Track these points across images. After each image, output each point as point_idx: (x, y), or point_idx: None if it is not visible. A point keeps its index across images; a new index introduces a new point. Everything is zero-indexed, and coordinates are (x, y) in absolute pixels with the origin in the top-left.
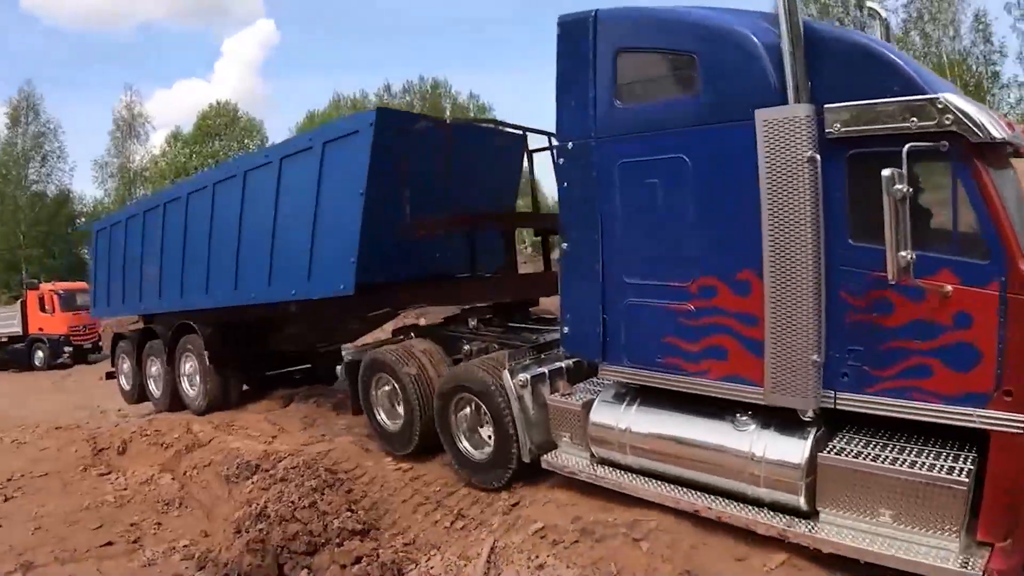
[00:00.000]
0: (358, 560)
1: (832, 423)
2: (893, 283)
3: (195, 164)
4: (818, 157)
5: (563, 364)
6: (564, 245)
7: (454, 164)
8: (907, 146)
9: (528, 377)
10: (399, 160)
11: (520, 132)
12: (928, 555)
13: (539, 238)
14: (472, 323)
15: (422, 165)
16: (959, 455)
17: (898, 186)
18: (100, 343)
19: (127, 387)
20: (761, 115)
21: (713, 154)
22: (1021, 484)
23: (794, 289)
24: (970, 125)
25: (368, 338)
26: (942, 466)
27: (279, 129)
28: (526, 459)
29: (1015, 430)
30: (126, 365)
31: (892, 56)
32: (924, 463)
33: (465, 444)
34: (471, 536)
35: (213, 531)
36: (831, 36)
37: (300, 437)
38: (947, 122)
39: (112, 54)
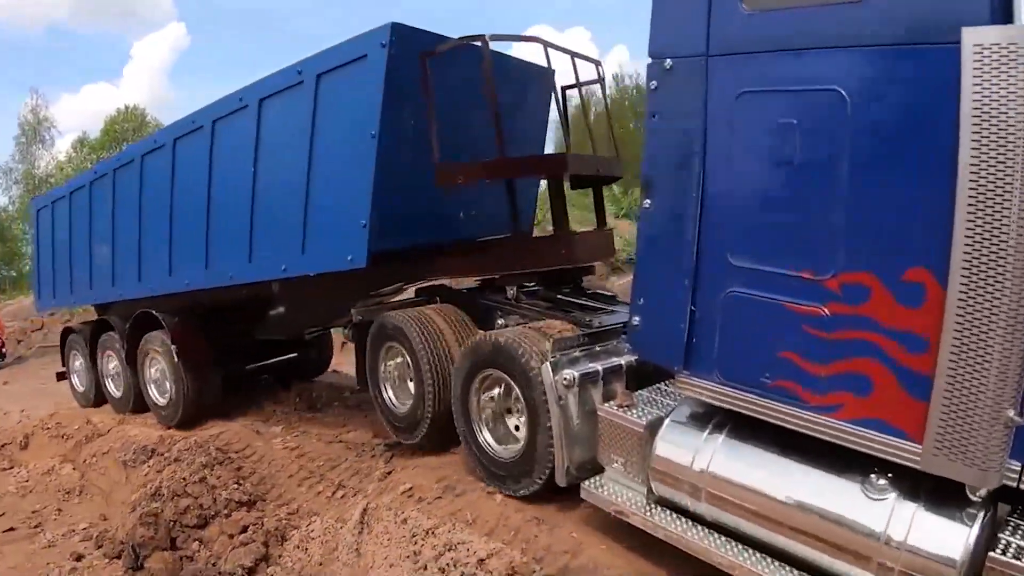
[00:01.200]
0: (244, 529)
1: (1005, 502)
2: None
3: None
4: None
5: (623, 361)
6: (647, 202)
7: (479, 100)
8: None
9: (576, 375)
10: (421, 91)
11: (548, 67)
12: None
13: (589, 188)
14: (511, 292)
15: (448, 99)
16: None
17: None
18: (3, 349)
19: (81, 388)
20: (972, 35)
21: (887, 91)
22: None
23: (995, 307)
24: None
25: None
26: None
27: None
28: (561, 483)
29: None
30: (79, 363)
31: None
32: None
33: (487, 436)
34: (348, 502)
35: (111, 514)
36: None
37: (196, 423)
38: None
39: (17, 56)
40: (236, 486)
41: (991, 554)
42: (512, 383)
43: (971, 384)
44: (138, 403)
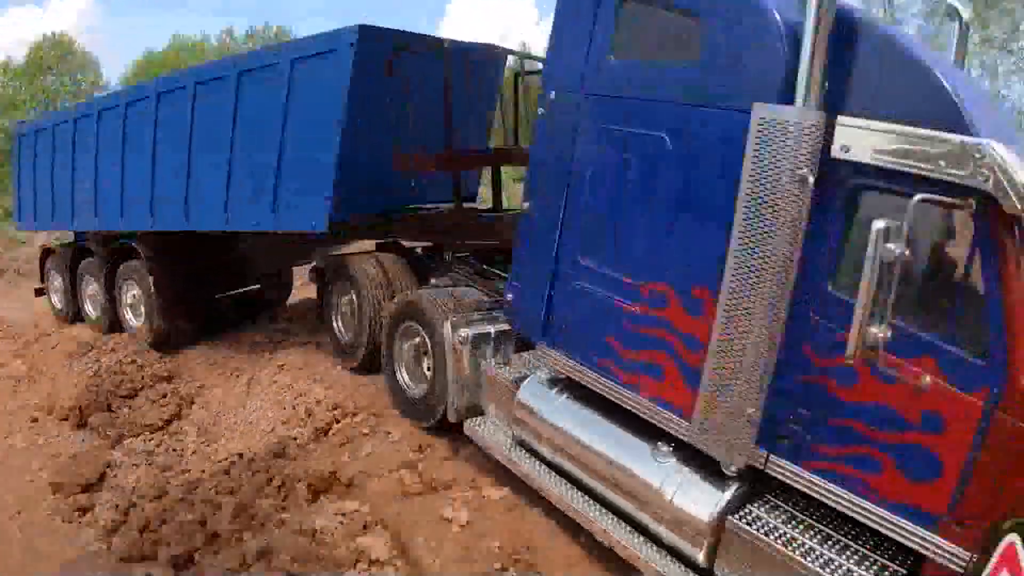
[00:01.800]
0: (164, 395)
1: (763, 482)
2: (850, 361)
3: (24, 98)
4: (811, 179)
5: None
6: (526, 205)
7: (434, 94)
8: (917, 197)
9: (470, 334)
10: (383, 85)
11: (502, 58)
12: None
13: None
14: (448, 257)
15: (409, 91)
16: (888, 567)
17: (891, 245)
18: None
19: (59, 306)
20: (759, 110)
21: (695, 142)
22: None
23: (747, 325)
24: (1009, 190)
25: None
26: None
27: (116, 66)
28: (451, 419)
29: (954, 567)
30: (58, 282)
31: (939, 72)
32: (842, 565)
33: (404, 375)
34: (241, 378)
35: (58, 394)
36: (867, 29)
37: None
38: (982, 178)
39: None
40: (160, 365)
41: (728, 517)
42: (424, 335)
43: (726, 383)
44: (114, 324)
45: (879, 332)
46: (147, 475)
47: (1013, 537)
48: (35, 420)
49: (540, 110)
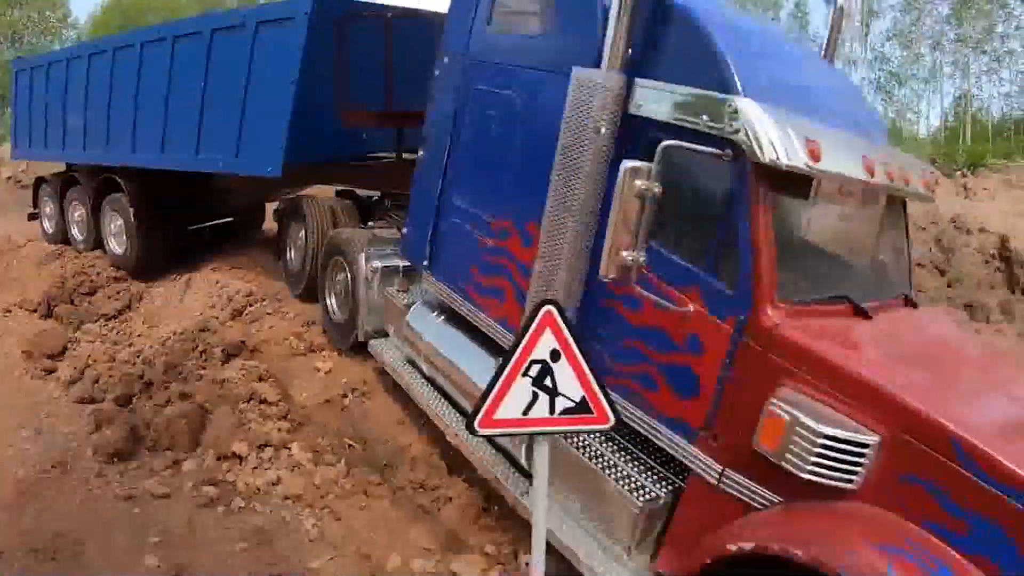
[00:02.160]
0: (118, 292)
1: None
2: (603, 278)
3: None
4: (604, 130)
5: None
6: (420, 152)
7: (396, 54)
8: (664, 143)
9: (380, 266)
10: (334, 49)
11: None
12: (599, 560)
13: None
14: (387, 203)
15: (358, 54)
16: (667, 478)
17: (641, 183)
18: None
19: (49, 230)
20: (576, 74)
21: (537, 102)
22: (699, 531)
23: (557, 258)
24: (752, 142)
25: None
26: (636, 480)
27: (84, 4)
28: (361, 339)
29: (709, 477)
30: (49, 209)
31: (717, 36)
32: (630, 474)
33: (331, 302)
34: (182, 279)
35: (28, 291)
36: (666, 2)
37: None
38: (731, 130)
39: None
40: (114, 271)
41: None
42: (347, 267)
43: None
44: (99, 249)
45: (632, 256)
46: (100, 347)
47: None
48: (8, 311)
49: (436, 72)
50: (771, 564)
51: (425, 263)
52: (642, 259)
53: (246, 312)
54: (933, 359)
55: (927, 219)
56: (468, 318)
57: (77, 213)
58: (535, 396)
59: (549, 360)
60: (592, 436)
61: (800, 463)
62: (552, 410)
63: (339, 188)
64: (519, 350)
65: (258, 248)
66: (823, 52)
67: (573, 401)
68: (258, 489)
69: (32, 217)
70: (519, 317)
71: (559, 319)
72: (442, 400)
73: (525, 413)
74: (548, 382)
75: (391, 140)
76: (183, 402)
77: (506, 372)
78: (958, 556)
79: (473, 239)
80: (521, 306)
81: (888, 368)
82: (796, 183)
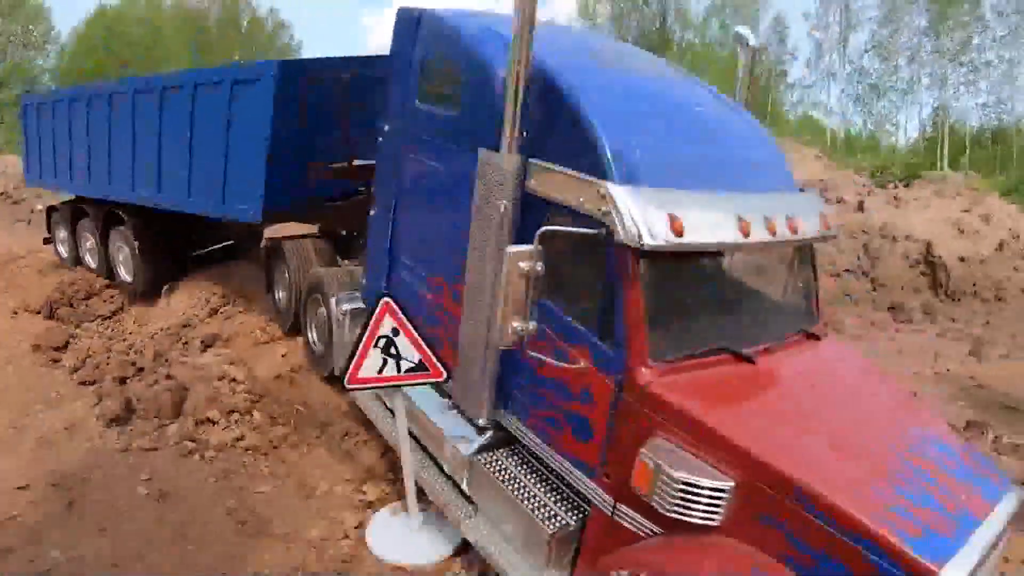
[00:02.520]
0: (112, 296)
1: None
2: (501, 347)
3: None
4: (506, 206)
5: None
6: (372, 211)
7: (352, 109)
8: (540, 230)
9: (348, 308)
10: (302, 105)
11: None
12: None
13: None
14: (362, 241)
15: (323, 111)
16: (580, 507)
17: (524, 264)
18: None
19: (64, 255)
20: (481, 154)
21: (457, 174)
22: (600, 554)
23: (476, 316)
24: (618, 225)
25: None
26: (551, 509)
27: (67, 19)
28: (336, 373)
29: (605, 509)
30: (62, 234)
31: (594, 121)
32: (542, 500)
33: (312, 335)
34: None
35: (31, 297)
36: (553, 88)
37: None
38: (602, 212)
39: None
40: (107, 281)
41: (474, 455)
42: (324, 304)
43: (467, 359)
44: (109, 275)
45: (520, 327)
46: (98, 342)
47: None
48: (15, 313)
49: (379, 139)
50: None
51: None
52: (532, 327)
53: (221, 311)
54: (798, 402)
55: (858, 228)
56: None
57: (88, 242)
58: (385, 361)
59: (391, 335)
60: (521, 470)
61: (665, 504)
62: (399, 369)
63: (318, 226)
64: (368, 330)
65: (239, 256)
66: (737, 95)
67: (413, 363)
68: (226, 444)
69: (47, 241)
70: (453, 363)
71: (394, 307)
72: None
73: (380, 372)
74: (393, 351)
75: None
76: (168, 381)
77: (362, 345)
78: None
79: (416, 292)
80: (455, 352)
81: (744, 418)
82: (668, 254)
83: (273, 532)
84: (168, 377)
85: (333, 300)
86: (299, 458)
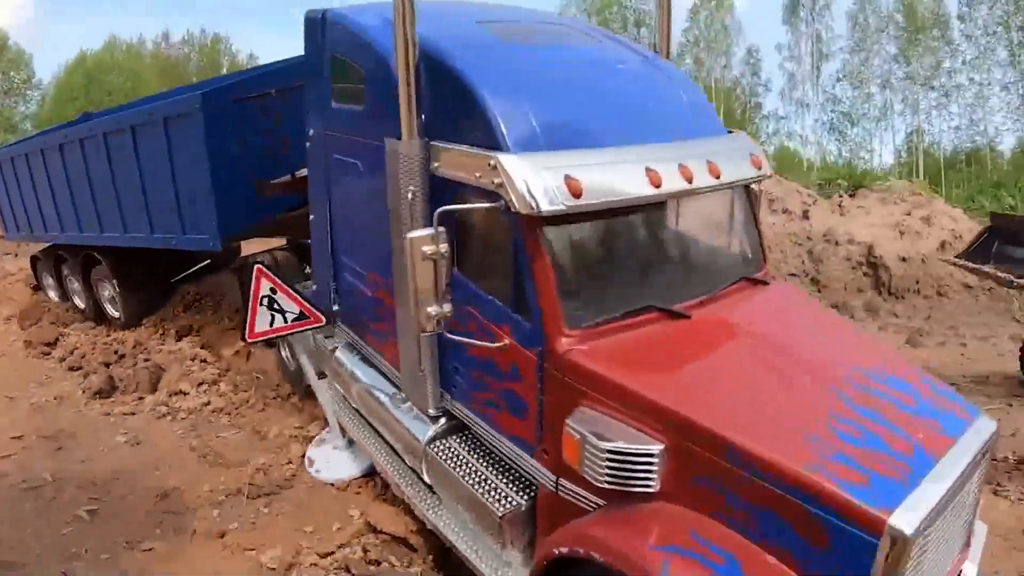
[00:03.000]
0: None
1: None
2: (423, 333)
3: None
4: (414, 192)
5: None
6: (312, 216)
7: (285, 127)
8: (437, 211)
9: None
10: (237, 127)
11: None
12: (487, 563)
13: None
14: None
15: (259, 131)
16: (530, 487)
17: (427, 248)
18: None
19: (55, 298)
20: (387, 144)
21: (373, 168)
22: (552, 530)
23: (406, 307)
24: (512, 195)
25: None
26: (502, 491)
27: (49, 65)
28: (307, 383)
29: (548, 486)
30: (49, 280)
31: (484, 93)
32: (492, 481)
33: (285, 353)
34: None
35: (26, 313)
36: (442, 59)
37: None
38: (497, 184)
39: None
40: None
41: (426, 444)
42: None
43: (406, 350)
44: (99, 314)
45: (436, 311)
46: (84, 338)
47: None
48: (8, 319)
49: (307, 144)
50: (586, 564)
51: (334, 311)
52: (447, 310)
53: (194, 306)
54: (734, 354)
55: (803, 235)
56: (371, 359)
57: (74, 285)
58: (273, 316)
59: (271, 294)
60: (473, 455)
61: (596, 475)
62: (285, 320)
63: (287, 239)
64: (252, 293)
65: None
66: (655, 46)
67: (296, 313)
68: (195, 408)
69: (36, 289)
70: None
71: (267, 271)
72: (364, 425)
73: (271, 325)
74: (277, 307)
75: None
76: (146, 363)
77: (251, 305)
78: (748, 543)
79: (358, 290)
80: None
81: (671, 378)
82: (570, 217)
83: (229, 462)
84: (146, 360)
85: None
86: (256, 414)
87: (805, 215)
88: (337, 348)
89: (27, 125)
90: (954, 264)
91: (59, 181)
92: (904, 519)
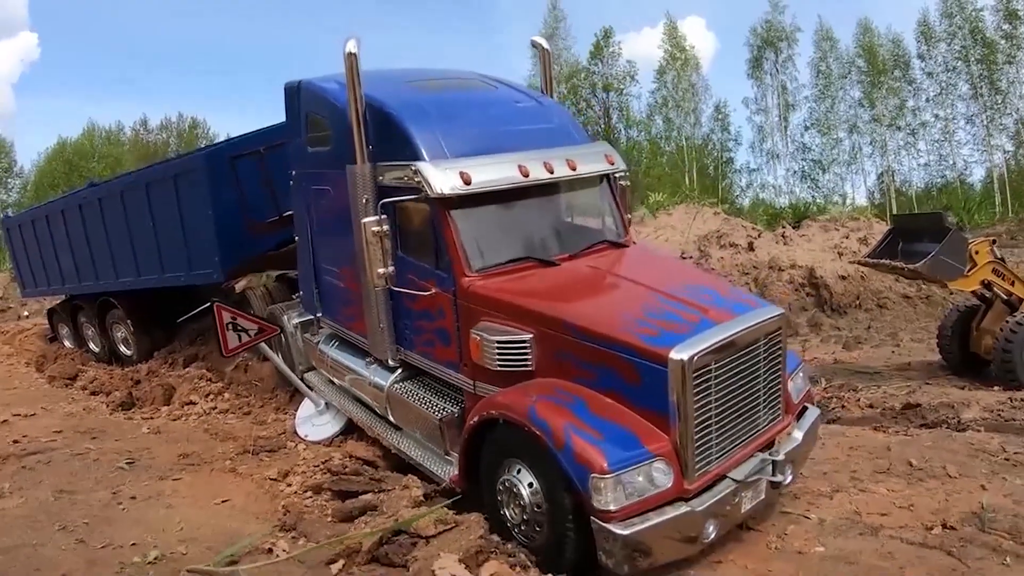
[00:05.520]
0: None
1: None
2: (375, 288)
3: None
4: (368, 198)
5: None
6: (296, 238)
7: (273, 178)
8: (381, 202)
9: (298, 321)
10: (234, 180)
11: None
12: (435, 464)
13: None
14: None
15: (252, 181)
16: (461, 399)
17: (375, 228)
18: None
19: (70, 345)
20: (348, 169)
21: (340, 191)
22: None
23: (369, 283)
24: (426, 186)
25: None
26: (439, 405)
27: (28, 150)
28: (298, 376)
29: (469, 389)
30: (65, 331)
31: (407, 125)
32: (438, 404)
33: (280, 359)
34: None
35: (42, 358)
36: (380, 106)
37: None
38: (417, 181)
39: None
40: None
41: (388, 385)
42: (283, 332)
43: (370, 316)
44: (114, 356)
45: (383, 272)
46: (102, 371)
47: None
48: (27, 364)
49: (291, 182)
50: (494, 424)
51: (317, 311)
52: (391, 270)
53: (198, 339)
54: (585, 281)
55: (749, 265)
56: (349, 339)
57: (89, 331)
58: (240, 334)
59: (233, 321)
60: (423, 391)
61: (491, 362)
62: (250, 336)
63: (277, 273)
64: (218, 323)
65: None
66: (543, 88)
67: (256, 329)
68: (205, 411)
69: (52, 340)
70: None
71: (224, 306)
72: (346, 396)
73: (240, 341)
74: (239, 328)
75: None
76: (160, 383)
77: (219, 330)
78: (593, 392)
79: (336, 286)
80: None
81: (537, 295)
82: (472, 198)
83: (234, 436)
84: (160, 382)
85: (285, 318)
86: (256, 409)
87: (750, 247)
88: (320, 341)
89: (10, 213)
90: (861, 264)
91: (78, 236)
92: (680, 352)
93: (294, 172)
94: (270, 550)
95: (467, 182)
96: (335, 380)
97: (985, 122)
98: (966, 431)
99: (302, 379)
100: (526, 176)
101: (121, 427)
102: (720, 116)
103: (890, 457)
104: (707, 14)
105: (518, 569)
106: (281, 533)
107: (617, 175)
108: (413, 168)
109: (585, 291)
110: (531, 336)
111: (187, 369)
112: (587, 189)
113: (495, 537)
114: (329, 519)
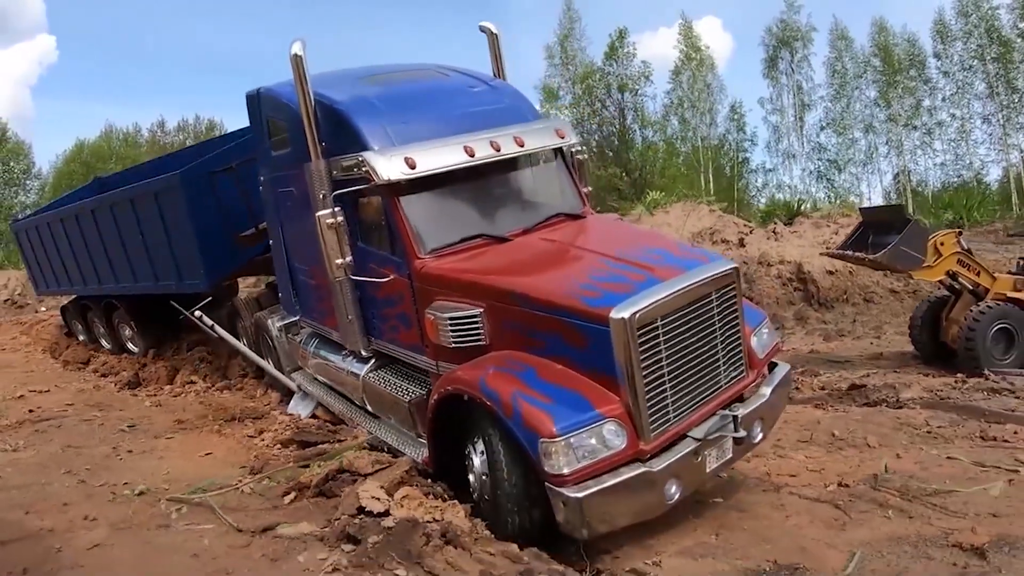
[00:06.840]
0: None
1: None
2: (335, 279)
3: None
4: (324, 193)
5: None
6: (271, 241)
7: (247, 184)
8: (332, 195)
9: (282, 324)
10: (213, 196)
11: None
12: (410, 447)
13: None
14: None
15: (229, 190)
16: (428, 382)
17: (330, 220)
18: None
19: (84, 339)
20: (305, 167)
21: (302, 190)
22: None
23: (330, 274)
24: (372, 173)
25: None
26: (408, 389)
27: (47, 152)
28: (285, 375)
29: (433, 369)
30: (78, 326)
31: (354, 119)
32: (409, 389)
33: (269, 362)
34: None
35: (56, 351)
36: (330, 103)
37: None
38: (365, 170)
39: None
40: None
41: (362, 374)
42: (268, 336)
43: (339, 308)
44: (123, 350)
45: (342, 261)
46: (112, 357)
47: None
48: (44, 351)
49: (260, 188)
50: (454, 399)
51: (295, 312)
52: (349, 260)
53: (201, 329)
54: (536, 254)
55: (739, 260)
56: (326, 335)
57: (99, 329)
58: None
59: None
60: (394, 377)
61: (447, 339)
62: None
63: (267, 282)
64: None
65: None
66: (494, 72)
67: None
68: (203, 390)
69: (68, 334)
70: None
71: (204, 317)
72: (327, 388)
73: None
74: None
75: None
76: (164, 365)
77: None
78: (544, 360)
79: (309, 284)
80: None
81: (486, 270)
82: (421, 182)
83: (225, 407)
84: (164, 366)
85: (270, 323)
86: (251, 389)
87: (741, 243)
88: (302, 340)
89: (18, 216)
90: (830, 256)
91: (79, 243)
92: (621, 311)
93: (262, 177)
94: (237, 488)
95: (412, 167)
96: (318, 376)
97: (1002, 121)
98: (901, 408)
99: (290, 377)
100: (472, 156)
101: (127, 401)
102: (736, 116)
103: (817, 429)
104: (723, 14)
105: (431, 497)
106: (249, 476)
107: (573, 149)
108: (360, 158)
109: (534, 262)
110: (481, 311)
111: (190, 352)
112: (541, 165)
113: (419, 476)
114: (291, 465)
